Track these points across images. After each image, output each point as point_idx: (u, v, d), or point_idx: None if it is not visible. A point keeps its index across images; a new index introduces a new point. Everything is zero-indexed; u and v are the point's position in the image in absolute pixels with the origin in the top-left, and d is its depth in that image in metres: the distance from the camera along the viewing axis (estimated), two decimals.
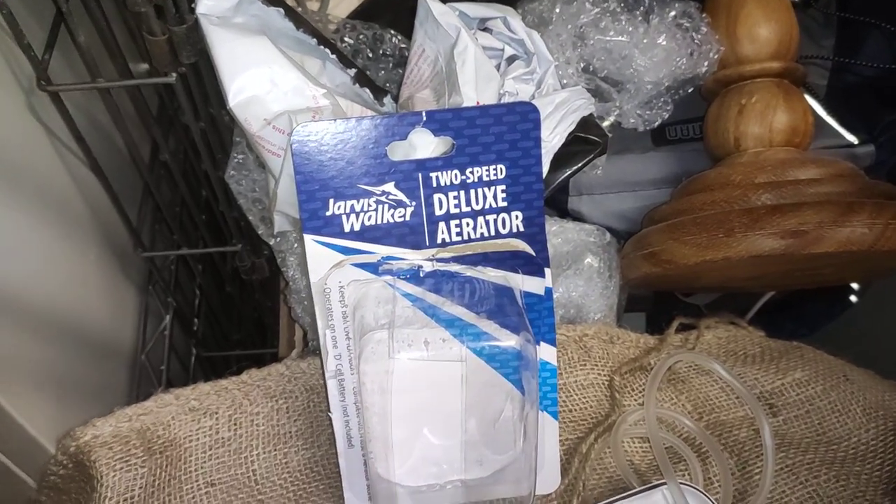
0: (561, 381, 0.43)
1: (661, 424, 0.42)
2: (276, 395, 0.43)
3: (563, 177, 0.41)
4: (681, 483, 0.37)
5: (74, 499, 0.41)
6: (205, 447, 0.42)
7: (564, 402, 0.43)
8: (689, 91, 0.48)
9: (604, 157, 0.44)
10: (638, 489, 0.38)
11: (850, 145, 0.46)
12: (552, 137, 0.39)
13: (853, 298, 0.58)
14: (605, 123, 0.49)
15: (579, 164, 0.41)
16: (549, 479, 0.40)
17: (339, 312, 0.35)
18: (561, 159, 0.41)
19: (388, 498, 0.38)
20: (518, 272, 0.36)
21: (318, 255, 0.35)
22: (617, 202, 0.49)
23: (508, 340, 0.32)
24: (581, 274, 0.43)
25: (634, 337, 0.46)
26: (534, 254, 0.36)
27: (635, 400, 0.43)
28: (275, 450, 0.42)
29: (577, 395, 0.43)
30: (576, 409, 0.43)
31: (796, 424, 0.43)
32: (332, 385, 0.37)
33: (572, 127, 0.40)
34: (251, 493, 0.40)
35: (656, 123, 0.46)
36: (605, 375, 0.44)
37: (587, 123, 0.41)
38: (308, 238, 0.35)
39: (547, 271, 0.36)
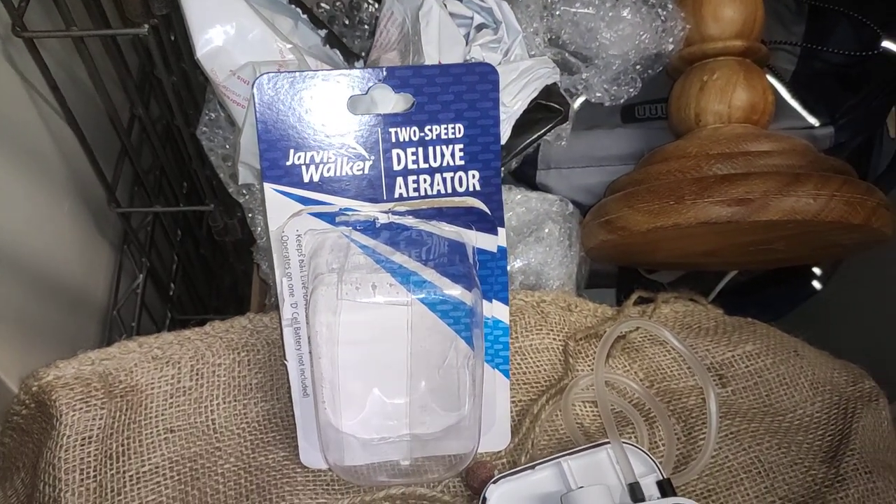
0: (517, 344, 0.44)
1: (613, 390, 0.43)
2: (238, 348, 0.44)
3: (524, 143, 0.42)
4: (624, 443, 0.38)
5: (37, 439, 0.42)
6: (166, 395, 0.42)
7: (519, 364, 0.44)
8: (658, 71, 0.49)
9: (568, 128, 0.45)
10: (583, 446, 0.39)
11: (811, 127, 0.48)
12: (514, 103, 0.40)
13: (816, 285, 0.59)
14: (579, 100, 0.50)
15: (541, 132, 0.42)
16: (500, 437, 0.41)
17: (297, 261, 0.36)
18: (523, 126, 0.42)
19: (339, 447, 0.38)
20: (472, 228, 0.37)
21: (278, 203, 0.36)
22: (583, 176, 0.51)
23: (452, 290, 0.33)
24: (541, 241, 0.45)
25: (592, 306, 0.47)
26: (489, 212, 0.37)
27: (588, 366, 0.44)
28: (234, 401, 0.42)
29: (531, 358, 0.44)
30: (530, 372, 0.44)
31: (744, 395, 0.44)
32: (288, 333, 0.38)
33: (535, 94, 0.41)
34: (209, 440, 0.41)
35: (622, 99, 0.47)
36: (560, 341, 0.45)
37: (550, 92, 0.42)
38: (268, 187, 0.36)
39: (501, 230, 0.37)
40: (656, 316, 0.47)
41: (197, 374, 0.43)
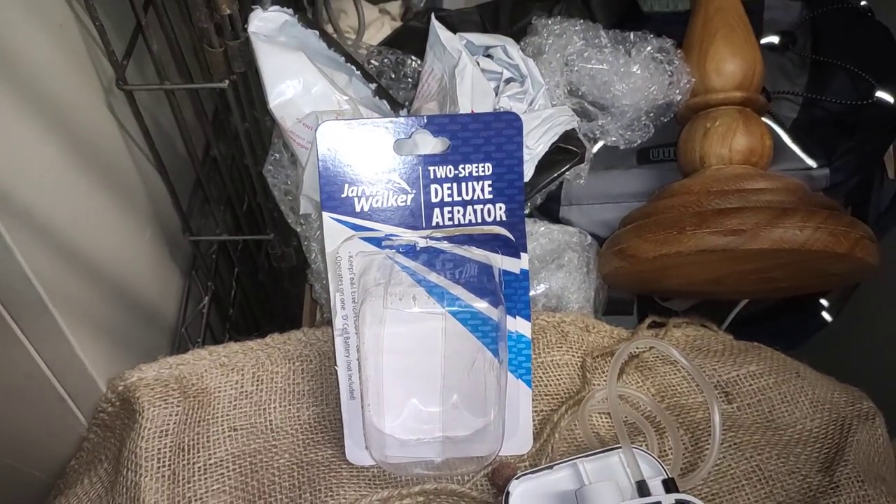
0: (540, 359, 0.49)
1: (626, 403, 0.48)
2: (294, 358, 0.50)
3: (545, 180, 0.48)
4: (634, 448, 0.43)
5: (119, 435, 0.48)
6: (230, 398, 0.48)
7: (541, 378, 0.49)
8: (670, 118, 0.55)
9: (587, 168, 0.51)
10: (598, 450, 0.43)
11: (809, 168, 0.52)
12: (537, 146, 0.46)
13: (827, 316, 0.63)
14: (598, 145, 0.56)
15: (560, 171, 0.48)
16: (523, 442, 0.46)
17: (348, 279, 0.42)
18: (544, 166, 0.47)
19: (380, 445, 0.44)
20: (498, 253, 0.42)
21: (333, 229, 0.42)
22: (602, 212, 0.56)
23: (480, 304, 0.39)
24: (562, 269, 0.50)
25: (609, 328, 0.51)
26: (513, 239, 0.43)
27: (604, 381, 0.49)
28: (290, 405, 0.48)
29: (552, 372, 0.49)
30: (551, 385, 0.49)
31: (748, 411, 0.48)
32: (338, 342, 0.44)
33: (555, 138, 0.47)
34: (267, 439, 0.46)
35: (636, 143, 0.53)
36: (579, 357, 0.49)
37: (569, 136, 0.48)
38: (326, 215, 0.42)
39: (523, 255, 0.43)
40: (668, 338, 0.51)
41: (258, 380, 0.49)
